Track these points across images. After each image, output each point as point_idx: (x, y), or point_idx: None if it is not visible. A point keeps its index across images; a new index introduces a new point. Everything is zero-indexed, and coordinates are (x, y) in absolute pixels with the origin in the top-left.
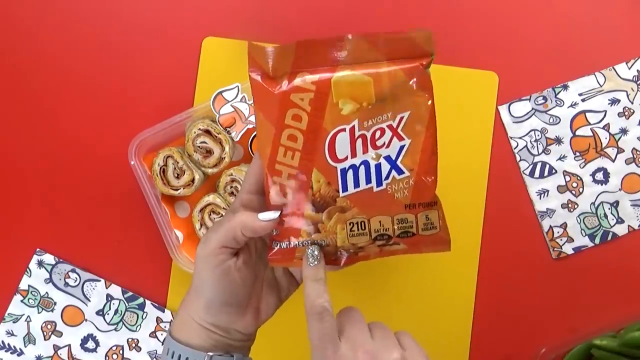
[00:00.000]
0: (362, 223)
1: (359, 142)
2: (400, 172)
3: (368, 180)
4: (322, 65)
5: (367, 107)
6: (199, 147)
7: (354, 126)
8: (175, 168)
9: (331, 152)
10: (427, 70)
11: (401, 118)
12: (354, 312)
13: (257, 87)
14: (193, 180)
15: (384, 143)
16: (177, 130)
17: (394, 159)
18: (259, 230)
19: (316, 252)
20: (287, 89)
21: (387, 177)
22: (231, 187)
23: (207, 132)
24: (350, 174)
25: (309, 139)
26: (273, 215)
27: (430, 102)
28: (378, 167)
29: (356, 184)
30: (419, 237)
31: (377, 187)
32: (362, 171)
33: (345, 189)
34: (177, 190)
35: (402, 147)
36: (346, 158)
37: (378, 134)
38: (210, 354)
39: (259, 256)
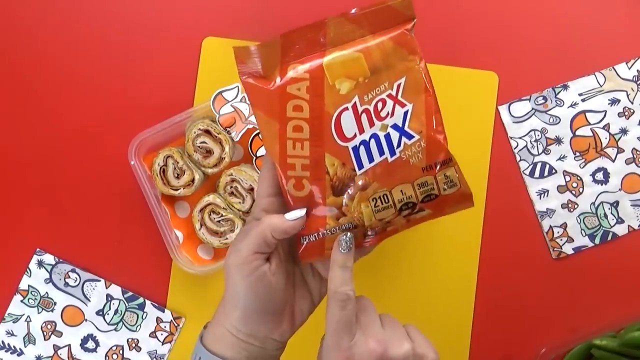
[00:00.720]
0: (385, 196)
1: (364, 117)
2: (409, 137)
3: (381, 152)
4: (310, 52)
5: (364, 82)
6: (199, 147)
7: (355, 103)
8: (175, 168)
9: (339, 133)
10: (412, 33)
11: (398, 85)
12: (367, 302)
13: (251, 88)
14: (193, 180)
15: (388, 113)
16: (177, 130)
17: (400, 125)
18: (290, 230)
19: (349, 240)
20: (282, 82)
21: (398, 145)
22: (231, 187)
23: (207, 132)
24: (362, 150)
25: (315, 125)
26: (300, 213)
27: (421, 63)
28: (387, 137)
29: (370, 158)
30: (442, 198)
31: (391, 157)
32: (373, 145)
33: (360, 166)
34: (177, 190)
35: (406, 113)
36: (355, 136)
37: (380, 105)
38: None
39: (287, 258)
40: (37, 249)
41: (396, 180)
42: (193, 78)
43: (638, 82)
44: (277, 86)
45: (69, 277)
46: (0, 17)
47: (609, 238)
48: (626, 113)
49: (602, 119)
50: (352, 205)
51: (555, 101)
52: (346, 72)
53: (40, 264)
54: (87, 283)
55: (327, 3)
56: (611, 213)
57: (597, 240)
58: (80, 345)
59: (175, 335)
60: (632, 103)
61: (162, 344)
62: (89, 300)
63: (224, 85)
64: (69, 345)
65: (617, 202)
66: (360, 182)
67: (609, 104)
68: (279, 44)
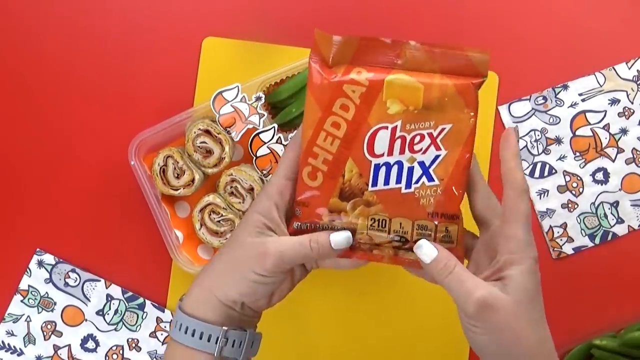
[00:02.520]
0: (384, 221)
1: (398, 142)
2: (430, 179)
3: (398, 181)
4: (379, 64)
5: (413, 112)
6: (199, 147)
7: (396, 126)
8: (175, 168)
9: (369, 146)
10: (477, 90)
11: (442, 129)
12: None
13: (314, 72)
14: (193, 180)
15: (421, 149)
16: (177, 130)
17: (427, 165)
18: (336, 253)
19: (348, 238)
20: (342, 79)
21: (417, 182)
22: (231, 187)
23: (207, 132)
24: (382, 170)
25: (352, 129)
26: (346, 235)
27: (473, 120)
28: (410, 170)
29: (386, 181)
30: None
31: (405, 189)
32: (394, 170)
33: (375, 184)
34: (177, 190)
35: (437, 156)
36: (382, 154)
37: (417, 138)
38: (225, 328)
39: None
40: (37, 249)
41: (400, 212)
42: (193, 78)
43: (638, 82)
44: (336, 80)
45: (69, 277)
46: (0, 17)
47: (609, 238)
48: (626, 113)
49: (602, 119)
50: (351, 215)
51: (555, 101)
52: (401, 96)
53: (40, 264)
54: (87, 283)
55: (327, 3)
56: (611, 213)
57: (597, 240)
58: (80, 345)
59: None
60: (632, 103)
61: (162, 344)
62: (89, 300)
63: (224, 85)
64: (69, 345)
65: (617, 202)
66: (367, 198)
67: (609, 104)
68: (356, 44)
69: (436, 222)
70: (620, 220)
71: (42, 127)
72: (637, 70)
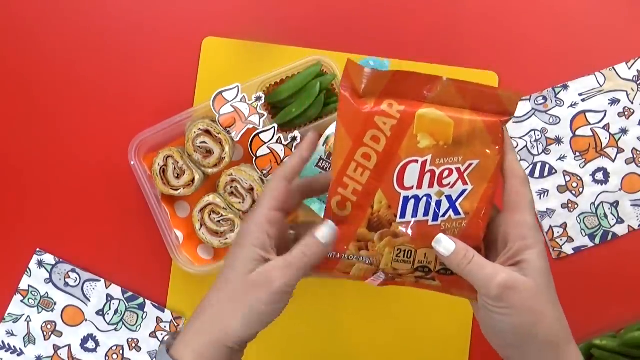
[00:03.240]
0: (409, 252)
1: (427, 176)
2: (457, 212)
3: (426, 214)
4: (410, 98)
5: (443, 147)
6: (199, 147)
7: (426, 160)
8: (175, 168)
9: (399, 179)
10: (504, 127)
11: (470, 164)
12: None
13: (345, 102)
14: (193, 180)
15: (449, 183)
16: (177, 130)
17: (454, 199)
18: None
19: (332, 227)
20: (373, 110)
21: (443, 215)
22: (231, 187)
23: (207, 132)
24: (411, 203)
25: (382, 161)
26: (329, 226)
27: (499, 157)
28: (438, 203)
29: (414, 214)
30: (455, 278)
31: (432, 221)
32: (422, 203)
33: (403, 216)
34: (177, 190)
35: (464, 191)
36: (412, 187)
37: (446, 173)
38: None
39: None
40: (37, 249)
41: (425, 243)
42: (193, 78)
43: (638, 82)
44: (368, 111)
45: (69, 277)
46: (0, 17)
47: (609, 238)
48: (626, 113)
49: (602, 119)
50: (378, 245)
51: (555, 101)
52: (432, 131)
53: (40, 264)
54: (87, 283)
55: (327, 3)
56: (611, 213)
57: (597, 240)
58: (80, 345)
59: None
60: (632, 103)
61: (162, 343)
62: (89, 300)
63: (224, 85)
64: (69, 345)
65: (617, 202)
66: (394, 230)
67: (609, 104)
68: (389, 77)
69: None
70: (620, 220)
71: (42, 127)
72: (637, 70)
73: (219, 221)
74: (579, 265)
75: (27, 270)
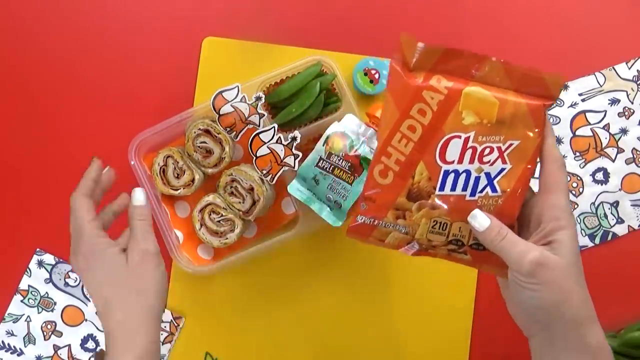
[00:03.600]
0: (445, 224)
1: (469, 152)
2: (494, 190)
3: (464, 188)
4: (459, 75)
5: (486, 125)
6: (199, 147)
7: (469, 137)
8: (175, 168)
9: (442, 153)
10: (547, 111)
11: (510, 144)
12: None
13: (395, 74)
14: (193, 180)
15: (489, 161)
16: (177, 130)
17: (492, 177)
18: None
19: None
20: (422, 84)
21: (481, 191)
22: (231, 187)
23: (207, 132)
24: (451, 177)
25: (426, 134)
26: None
27: (539, 139)
28: (477, 179)
29: (453, 187)
30: (486, 254)
31: (469, 196)
32: (462, 178)
33: (442, 188)
34: (177, 190)
35: (502, 169)
36: (453, 162)
37: (487, 150)
38: None
39: None
40: (37, 249)
41: (461, 217)
42: (193, 78)
43: (638, 82)
44: (417, 85)
45: (69, 277)
46: (0, 17)
47: (609, 238)
48: (626, 113)
49: (602, 119)
50: (415, 215)
51: (555, 101)
52: (477, 109)
53: (40, 264)
54: None
55: (327, 3)
56: (611, 213)
57: (597, 240)
58: (80, 345)
59: (175, 335)
60: (632, 103)
61: (162, 344)
62: (89, 300)
63: (224, 85)
64: (69, 345)
65: (617, 202)
66: (433, 201)
67: (609, 104)
68: (440, 53)
69: None
70: (620, 220)
71: (43, 127)
72: (637, 70)
73: (219, 221)
74: None
75: (27, 270)
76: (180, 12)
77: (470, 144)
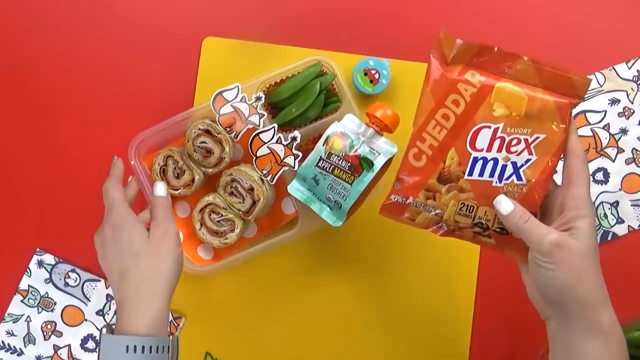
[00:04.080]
0: (471, 207)
1: (497, 142)
2: (519, 178)
3: (492, 174)
4: (491, 71)
5: (515, 118)
6: (199, 147)
7: (498, 127)
8: (175, 168)
9: (472, 141)
10: (572, 109)
11: (537, 137)
12: None
13: (433, 67)
14: (193, 180)
15: (516, 151)
16: (177, 130)
17: (519, 166)
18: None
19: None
20: (457, 77)
21: (507, 178)
22: (231, 187)
23: (207, 132)
24: (479, 163)
25: (459, 123)
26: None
27: (564, 135)
28: (504, 167)
29: (481, 173)
30: (509, 238)
31: (496, 182)
32: (489, 165)
33: (470, 173)
34: (177, 190)
35: (528, 160)
36: (482, 150)
37: (515, 141)
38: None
39: None
40: (37, 249)
41: (487, 202)
42: (193, 78)
43: (638, 82)
44: (452, 78)
45: (69, 277)
46: None
47: (609, 238)
48: (626, 113)
49: (602, 119)
50: (445, 197)
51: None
52: (507, 102)
53: (40, 264)
54: (87, 283)
55: (326, 3)
56: (611, 213)
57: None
58: (80, 345)
59: (175, 335)
60: (632, 103)
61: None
62: (89, 300)
63: (224, 85)
64: (69, 345)
65: (617, 202)
66: (461, 185)
67: (609, 104)
68: (475, 50)
69: None
70: (620, 220)
71: (42, 127)
72: (637, 70)
73: (219, 221)
74: None
75: (27, 270)
76: (180, 12)
77: (499, 134)
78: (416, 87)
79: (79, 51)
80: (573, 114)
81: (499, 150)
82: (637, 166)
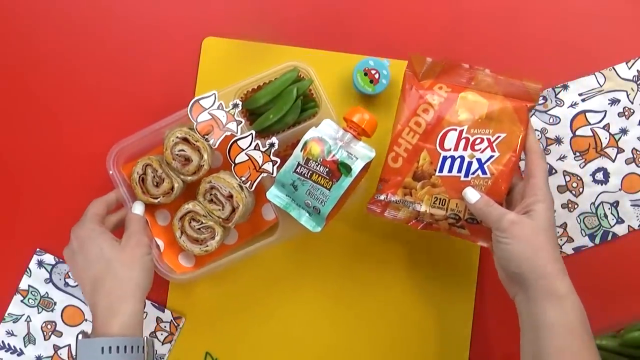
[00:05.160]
0: (444, 200)
1: (463, 142)
2: (484, 172)
3: (459, 170)
4: (456, 83)
5: (478, 121)
6: (177, 155)
7: (463, 129)
8: (154, 176)
9: (441, 142)
10: (529, 111)
11: (498, 136)
12: None
13: (408, 82)
14: (172, 189)
15: (480, 149)
16: (155, 139)
17: (483, 162)
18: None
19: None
20: (427, 90)
21: (473, 173)
22: (210, 194)
23: (185, 140)
24: (448, 161)
25: (429, 128)
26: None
27: (523, 134)
28: (470, 164)
29: (450, 170)
30: (480, 227)
31: (463, 177)
32: (457, 162)
33: (441, 170)
34: (156, 198)
35: (491, 157)
36: (450, 149)
37: (478, 141)
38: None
39: None
40: (37, 249)
41: (457, 195)
42: (193, 78)
43: (638, 82)
44: (422, 91)
45: (69, 277)
46: None
47: (609, 238)
48: (626, 113)
49: (602, 119)
50: (420, 192)
51: (555, 101)
52: (470, 108)
53: (40, 264)
54: None
55: (326, 3)
56: (611, 213)
57: (597, 240)
58: None
59: (175, 335)
60: (632, 103)
61: (162, 344)
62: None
63: (223, 85)
64: (69, 345)
65: (617, 202)
66: (433, 181)
67: (609, 104)
68: (442, 66)
69: None
70: (620, 220)
71: (43, 127)
72: (637, 70)
73: (199, 229)
74: (579, 265)
75: (27, 270)
76: (180, 12)
77: (464, 135)
78: None
79: (78, 51)
80: (530, 115)
81: (465, 149)
82: (637, 166)
